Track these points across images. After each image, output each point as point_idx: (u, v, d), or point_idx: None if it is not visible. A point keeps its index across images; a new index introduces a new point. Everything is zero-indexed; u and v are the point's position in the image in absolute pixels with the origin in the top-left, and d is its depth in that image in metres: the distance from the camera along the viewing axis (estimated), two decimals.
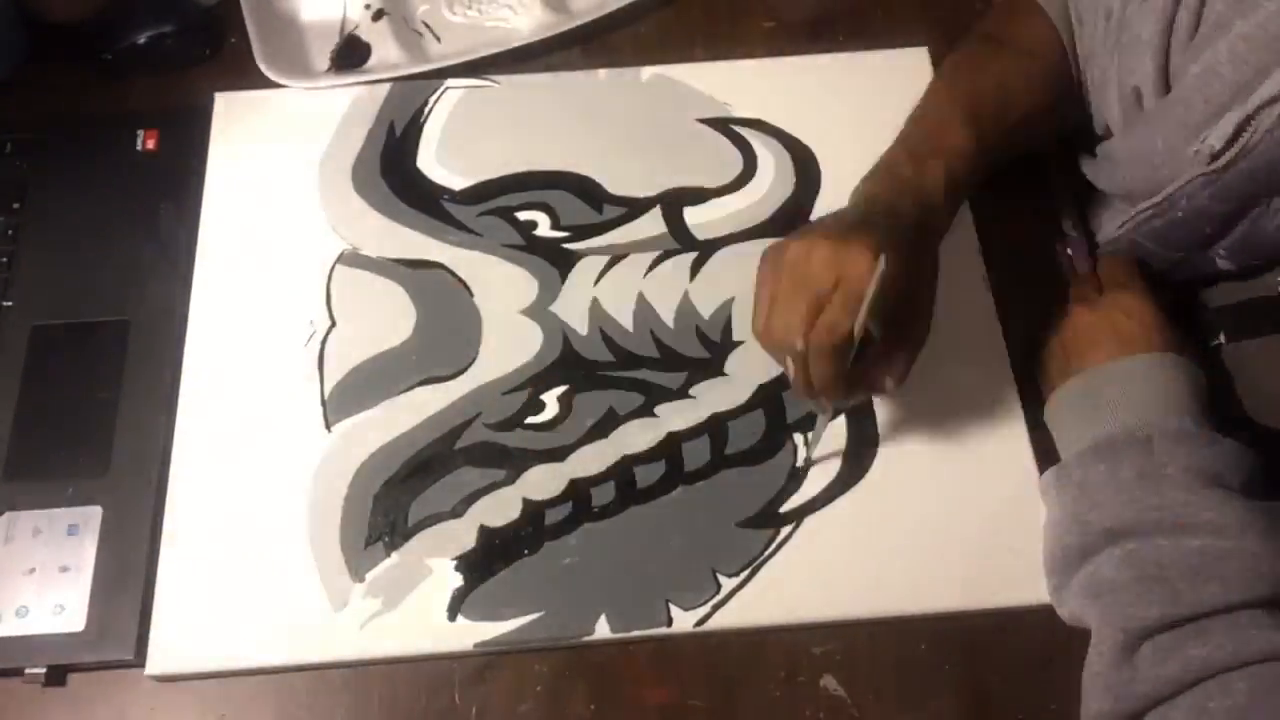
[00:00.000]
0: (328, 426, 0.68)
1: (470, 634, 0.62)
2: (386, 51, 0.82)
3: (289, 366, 0.69)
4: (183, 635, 0.62)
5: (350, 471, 0.66)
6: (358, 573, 0.63)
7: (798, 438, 0.67)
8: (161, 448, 0.67)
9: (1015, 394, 0.68)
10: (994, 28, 0.72)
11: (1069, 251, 0.73)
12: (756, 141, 0.77)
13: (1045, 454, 0.66)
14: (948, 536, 0.64)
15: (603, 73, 0.80)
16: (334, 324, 0.71)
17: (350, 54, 0.82)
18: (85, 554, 0.63)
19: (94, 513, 0.65)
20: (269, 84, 0.79)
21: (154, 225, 0.73)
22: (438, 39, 0.83)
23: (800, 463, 0.66)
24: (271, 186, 0.76)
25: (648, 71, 0.80)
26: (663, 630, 0.62)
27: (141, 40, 0.79)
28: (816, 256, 0.58)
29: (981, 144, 0.65)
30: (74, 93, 0.80)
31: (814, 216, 0.75)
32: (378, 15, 0.84)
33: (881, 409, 0.68)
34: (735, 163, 0.77)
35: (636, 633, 0.62)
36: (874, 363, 0.60)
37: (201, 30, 0.82)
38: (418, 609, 0.63)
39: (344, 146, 0.77)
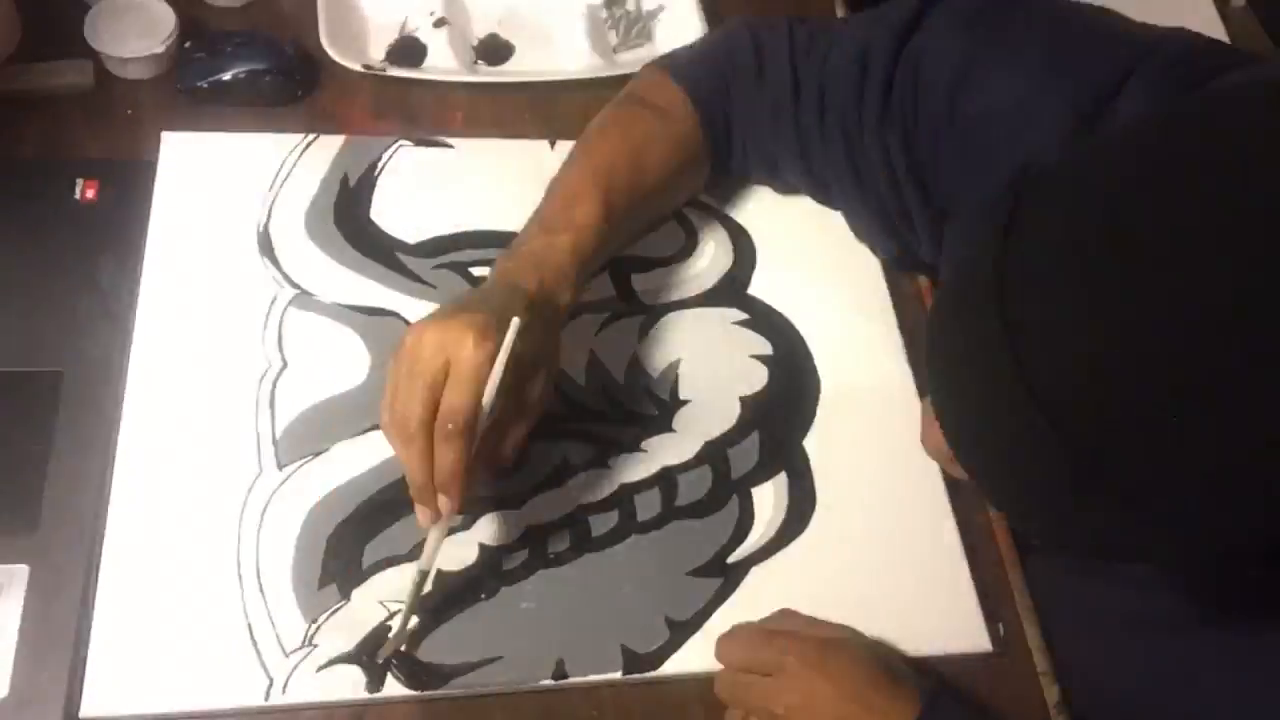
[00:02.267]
0: (279, 467, 0.67)
1: (426, 678, 0.61)
2: (441, 57, 0.87)
3: (239, 407, 0.68)
4: (121, 680, 0.59)
5: (304, 512, 0.65)
6: (310, 614, 0.62)
7: (392, 607, 0.63)
8: (95, 503, 0.64)
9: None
10: (633, 91, 0.76)
11: None
12: (696, 218, 0.82)
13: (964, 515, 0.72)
14: (879, 589, 0.69)
15: (551, 143, 0.84)
16: (286, 365, 0.70)
17: (406, 51, 0.86)
18: (10, 616, 0.59)
19: (20, 571, 0.61)
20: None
21: (93, 275, 0.71)
22: (487, 62, 0.88)
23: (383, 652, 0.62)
24: (222, 227, 0.75)
25: None
26: (617, 676, 0.63)
27: (229, 76, 0.80)
28: (426, 341, 0.57)
29: (611, 215, 0.68)
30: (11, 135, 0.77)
31: (752, 290, 0.80)
32: (440, 23, 0.88)
33: (819, 473, 0.73)
34: (678, 236, 0.81)
35: (594, 677, 0.63)
36: (490, 438, 0.61)
37: (294, 72, 0.83)
38: (372, 652, 0.62)
39: (298, 192, 0.77)
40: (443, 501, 0.58)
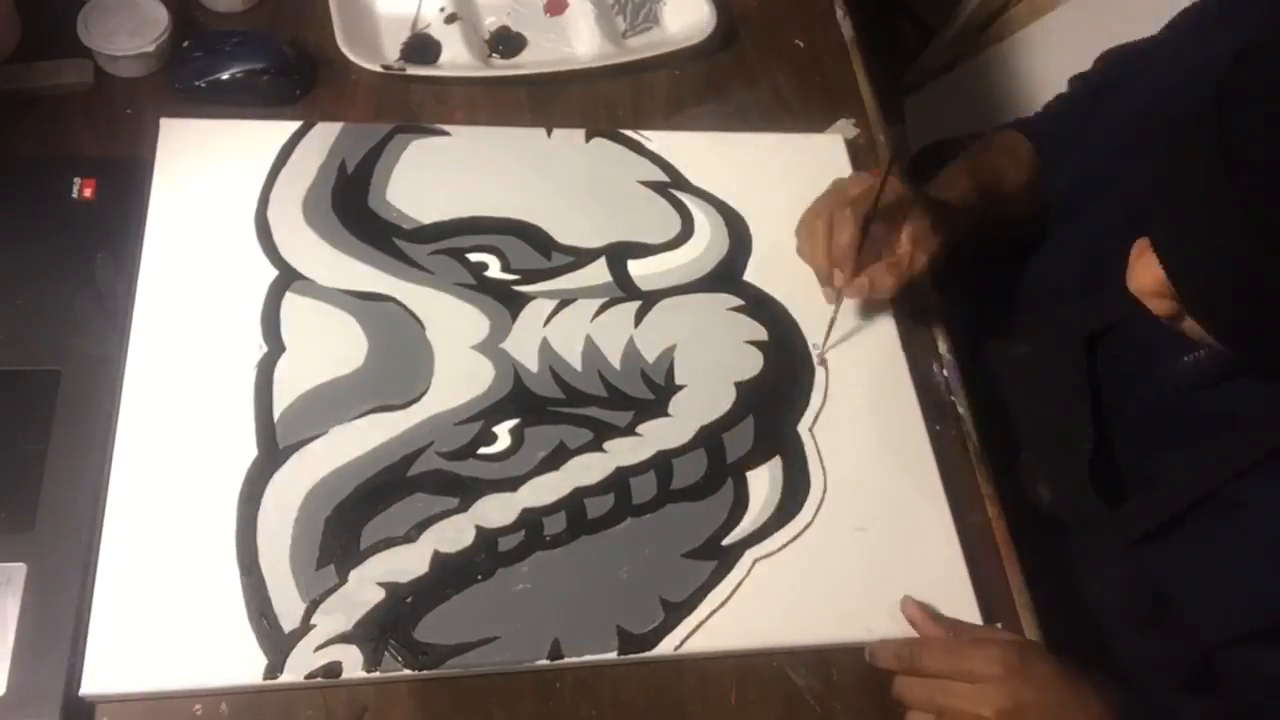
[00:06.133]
0: (279, 449, 0.67)
1: (423, 657, 0.62)
2: (456, 53, 0.87)
3: (236, 391, 0.69)
4: (121, 658, 0.60)
5: (301, 494, 0.66)
6: (309, 595, 0.63)
7: (811, 341, 0.78)
8: (93, 501, 0.64)
9: (926, 437, 0.75)
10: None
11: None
12: (692, 205, 0.83)
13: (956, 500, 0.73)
14: (874, 574, 0.70)
15: (548, 131, 0.84)
16: (284, 349, 0.71)
17: (420, 48, 0.87)
18: (8, 613, 0.60)
19: (18, 570, 0.61)
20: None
21: (90, 274, 0.71)
22: (500, 55, 0.89)
23: (816, 354, 0.78)
24: (220, 212, 0.75)
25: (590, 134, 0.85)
26: (613, 656, 0.64)
27: (226, 76, 0.81)
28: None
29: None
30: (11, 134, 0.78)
31: (747, 276, 0.80)
32: (450, 19, 0.88)
33: (813, 457, 0.73)
34: (674, 222, 0.82)
35: (589, 658, 0.64)
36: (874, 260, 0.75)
37: (292, 72, 0.83)
38: (370, 632, 0.62)
39: (295, 178, 0.78)
40: (837, 276, 0.75)
